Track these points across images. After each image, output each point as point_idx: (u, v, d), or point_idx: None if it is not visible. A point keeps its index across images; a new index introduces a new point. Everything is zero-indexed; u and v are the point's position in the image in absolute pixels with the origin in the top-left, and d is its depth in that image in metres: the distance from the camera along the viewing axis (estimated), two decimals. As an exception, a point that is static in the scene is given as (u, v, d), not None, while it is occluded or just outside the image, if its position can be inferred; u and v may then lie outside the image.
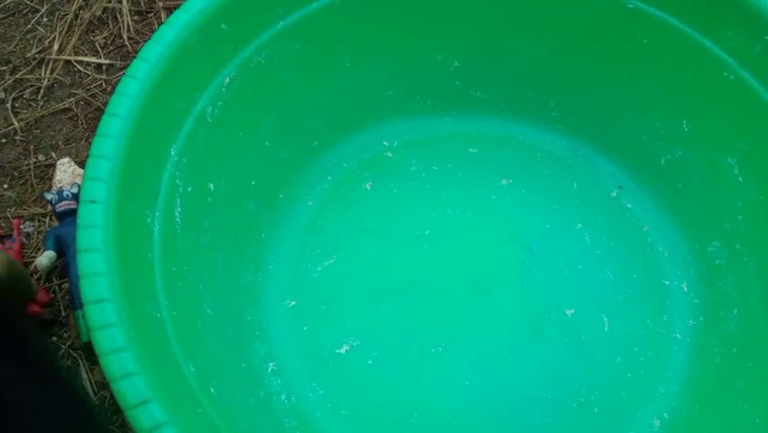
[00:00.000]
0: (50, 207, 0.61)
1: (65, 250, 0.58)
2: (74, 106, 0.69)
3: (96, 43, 0.73)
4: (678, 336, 0.52)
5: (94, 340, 0.35)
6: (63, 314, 0.58)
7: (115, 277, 0.37)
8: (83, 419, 0.12)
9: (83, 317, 0.55)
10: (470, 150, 0.61)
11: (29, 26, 0.74)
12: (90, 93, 0.70)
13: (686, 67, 0.51)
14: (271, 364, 0.51)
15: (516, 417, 0.49)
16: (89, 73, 0.71)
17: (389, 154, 0.61)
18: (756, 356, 0.47)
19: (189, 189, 0.47)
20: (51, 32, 0.74)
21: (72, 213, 0.59)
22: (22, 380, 0.11)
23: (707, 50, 0.50)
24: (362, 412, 0.50)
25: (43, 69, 0.71)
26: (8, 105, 0.69)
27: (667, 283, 0.55)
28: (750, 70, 0.49)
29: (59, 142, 0.67)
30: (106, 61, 0.72)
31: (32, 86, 0.70)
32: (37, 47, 0.73)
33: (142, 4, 0.75)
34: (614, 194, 0.59)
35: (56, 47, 0.72)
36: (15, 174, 0.65)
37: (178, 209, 0.45)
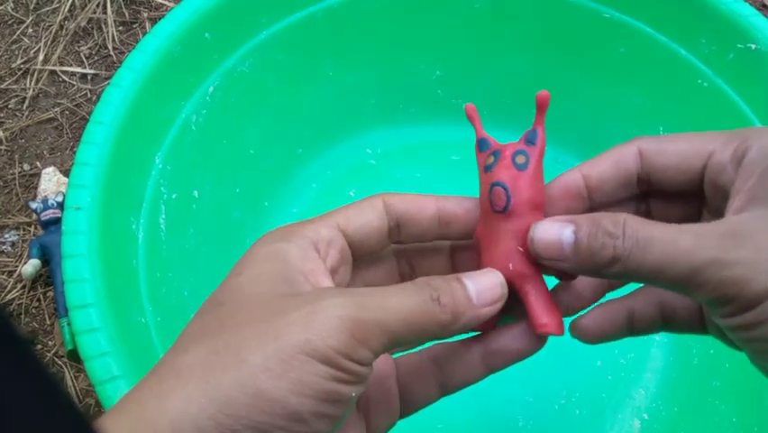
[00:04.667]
0: (35, 216, 0.62)
1: (50, 258, 0.59)
2: (59, 116, 0.69)
3: (81, 53, 0.74)
4: (657, 338, 0.53)
5: (79, 344, 0.35)
6: (48, 322, 0.58)
7: (100, 282, 0.37)
8: (77, 422, 0.12)
9: (68, 324, 0.55)
10: (453, 157, 0.62)
11: (14, 37, 0.75)
12: (75, 103, 0.70)
13: (662, 74, 0.53)
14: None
15: (498, 418, 0.50)
16: (74, 83, 0.71)
17: (373, 162, 0.62)
18: (732, 357, 0.48)
19: (174, 197, 0.47)
20: (37, 43, 0.74)
21: (57, 222, 0.59)
22: (20, 385, 0.11)
23: (681, 58, 0.51)
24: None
25: (28, 80, 0.72)
26: (-7, 115, 0.69)
27: (646, 287, 0.56)
28: (723, 78, 0.50)
29: (44, 152, 0.67)
30: (91, 71, 0.72)
31: (17, 96, 0.71)
32: (22, 57, 0.73)
33: (127, 14, 0.76)
34: (594, 200, 0.59)
35: (41, 57, 0.73)
36: (0, 183, 0.66)
37: (163, 216, 0.46)
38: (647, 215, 0.27)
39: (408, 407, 0.26)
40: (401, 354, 0.27)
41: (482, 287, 0.23)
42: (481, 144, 0.26)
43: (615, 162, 0.25)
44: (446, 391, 0.26)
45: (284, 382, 0.19)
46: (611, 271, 0.22)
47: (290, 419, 0.19)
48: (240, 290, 0.22)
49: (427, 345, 0.26)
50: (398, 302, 0.21)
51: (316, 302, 0.20)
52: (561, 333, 0.25)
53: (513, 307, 0.25)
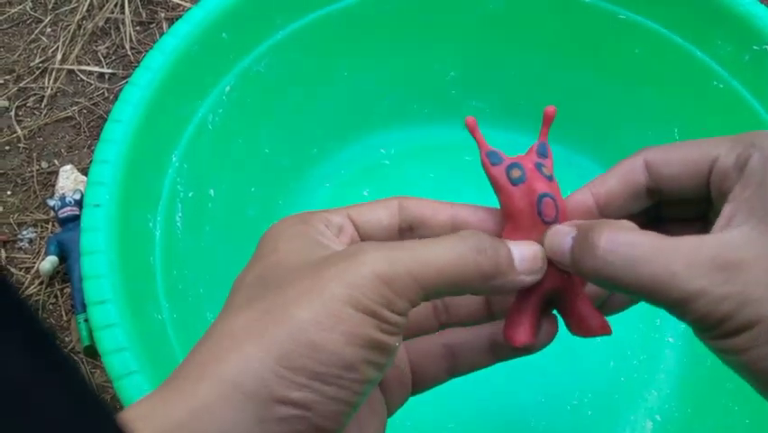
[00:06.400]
0: (52, 214, 0.62)
1: (67, 255, 0.59)
2: (76, 115, 0.70)
3: (99, 53, 0.74)
4: (670, 339, 0.53)
5: (97, 340, 0.36)
6: (65, 318, 0.59)
7: (117, 279, 0.38)
8: (99, 410, 0.13)
9: (84, 321, 0.56)
10: (467, 158, 0.62)
11: (32, 36, 0.76)
12: (93, 101, 0.71)
13: (677, 76, 0.52)
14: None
15: (510, 419, 0.50)
16: (92, 82, 0.72)
17: (387, 162, 0.62)
18: (747, 359, 0.48)
19: (190, 195, 0.47)
20: (55, 42, 0.75)
21: (74, 219, 0.60)
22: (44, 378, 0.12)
23: (697, 59, 0.51)
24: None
25: (47, 78, 0.72)
26: (12, 114, 0.70)
27: (660, 288, 0.55)
28: (739, 79, 0.50)
29: (62, 150, 0.68)
30: (109, 71, 0.73)
31: (35, 94, 0.72)
32: (40, 56, 0.74)
33: (144, 14, 0.76)
34: (607, 201, 0.59)
35: (59, 56, 0.74)
36: (19, 181, 0.66)
37: (180, 214, 0.46)
38: (659, 221, 0.28)
39: (419, 385, 0.28)
40: (414, 337, 0.28)
41: (525, 255, 0.24)
42: (493, 158, 0.26)
43: (622, 177, 0.26)
44: (455, 373, 0.28)
45: (335, 334, 0.20)
46: (600, 282, 0.23)
47: (344, 368, 0.20)
48: (280, 263, 0.23)
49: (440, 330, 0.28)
50: (435, 254, 0.22)
51: (353, 257, 0.21)
52: (609, 332, 0.27)
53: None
